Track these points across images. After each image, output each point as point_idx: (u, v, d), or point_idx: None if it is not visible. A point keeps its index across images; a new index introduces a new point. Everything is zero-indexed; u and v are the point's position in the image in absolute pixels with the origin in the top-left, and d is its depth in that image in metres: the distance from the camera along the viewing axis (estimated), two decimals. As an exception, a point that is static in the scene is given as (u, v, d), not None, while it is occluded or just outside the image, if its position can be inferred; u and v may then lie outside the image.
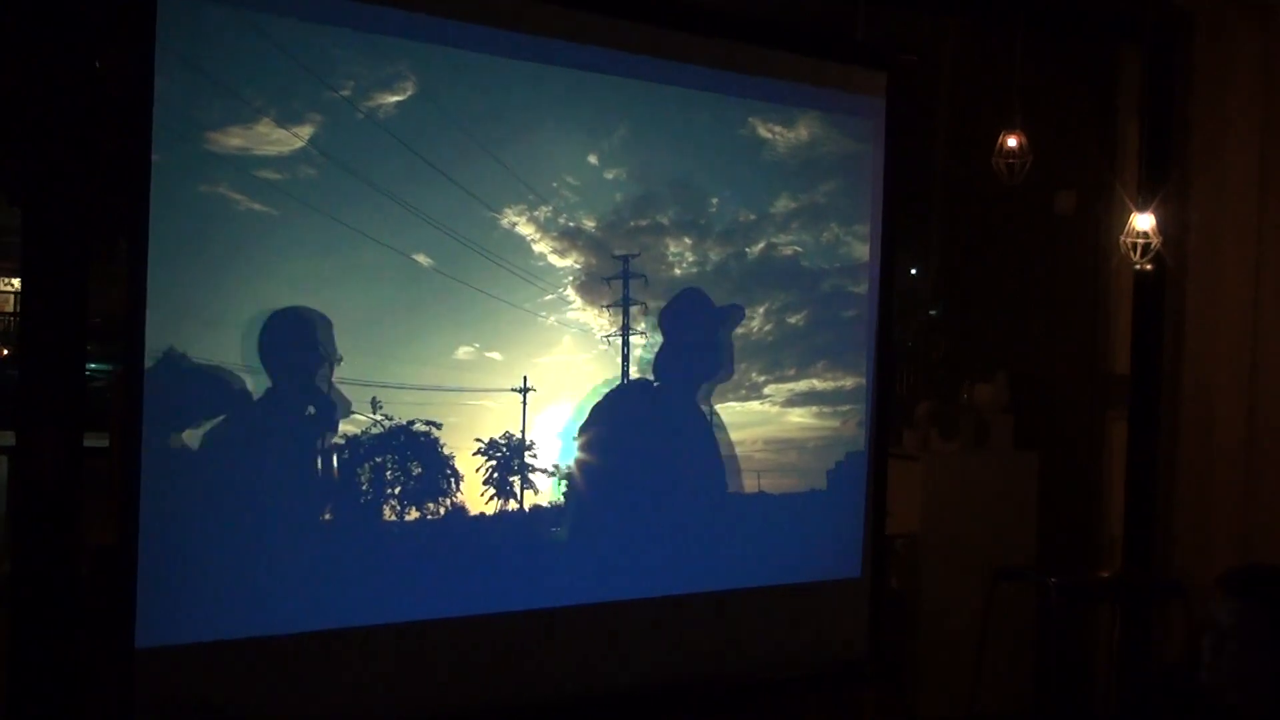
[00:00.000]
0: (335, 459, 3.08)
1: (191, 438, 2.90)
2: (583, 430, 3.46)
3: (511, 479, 3.34)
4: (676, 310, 3.61)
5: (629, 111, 3.51)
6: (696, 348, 3.68)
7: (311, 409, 3.10)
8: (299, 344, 3.07)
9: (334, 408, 3.11)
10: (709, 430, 3.70)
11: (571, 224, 3.41)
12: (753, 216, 3.73)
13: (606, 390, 3.50)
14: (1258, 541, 4.44)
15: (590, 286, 3.45)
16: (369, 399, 3.11)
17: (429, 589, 3.20)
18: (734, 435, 3.70)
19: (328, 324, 3.08)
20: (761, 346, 3.77)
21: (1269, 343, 4.49)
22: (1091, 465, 5.00)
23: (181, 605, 2.86)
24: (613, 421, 3.52)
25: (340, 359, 3.10)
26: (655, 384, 3.62)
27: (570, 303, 3.42)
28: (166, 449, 2.85)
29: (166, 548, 2.83)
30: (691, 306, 3.65)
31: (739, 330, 3.72)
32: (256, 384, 2.98)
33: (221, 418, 2.94)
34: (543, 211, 3.36)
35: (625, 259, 3.50)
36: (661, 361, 3.61)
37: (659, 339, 3.58)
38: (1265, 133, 4.49)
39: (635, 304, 3.52)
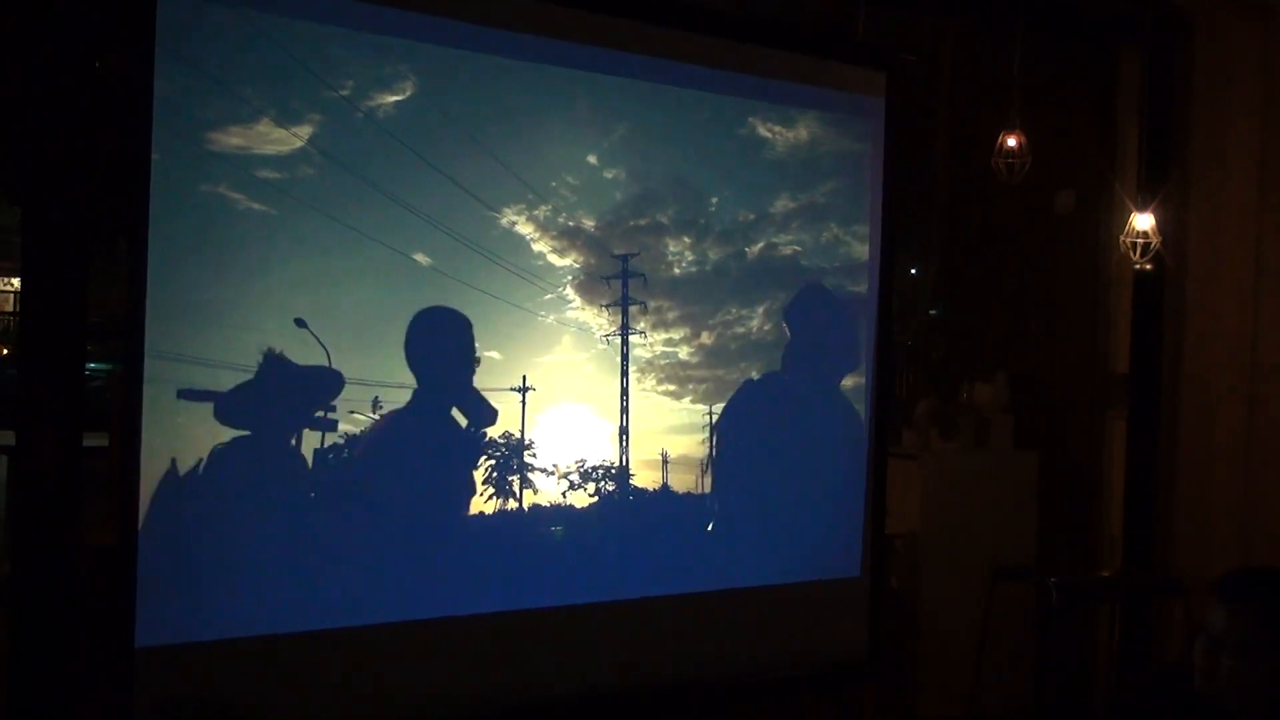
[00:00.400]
0: (337, 460, 3.08)
1: (194, 438, 2.91)
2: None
3: (511, 478, 3.34)
4: (803, 306, 3.80)
5: (629, 111, 3.51)
6: (826, 342, 3.90)
7: (457, 411, 3.24)
8: (446, 345, 3.22)
9: (482, 412, 3.25)
10: (848, 419, 3.91)
11: (571, 223, 3.42)
12: (752, 216, 3.73)
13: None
14: (1258, 541, 4.44)
15: (589, 286, 3.45)
16: (369, 399, 3.12)
17: (429, 589, 3.20)
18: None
19: (468, 324, 3.22)
20: (761, 346, 3.77)
21: (1269, 343, 4.49)
22: (1091, 465, 5.00)
23: (181, 605, 2.86)
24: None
25: (479, 361, 3.24)
26: (785, 378, 3.80)
27: (570, 302, 3.42)
28: (169, 449, 2.86)
29: (166, 548, 2.84)
30: (817, 302, 3.82)
31: (738, 330, 3.72)
32: (263, 383, 2.98)
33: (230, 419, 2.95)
34: (542, 211, 3.36)
35: (624, 258, 3.51)
36: (790, 357, 3.80)
37: (659, 338, 3.58)
38: (1265, 133, 4.50)
39: (634, 303, 3.52)
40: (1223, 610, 2.16)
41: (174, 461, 2.87)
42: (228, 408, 2.91)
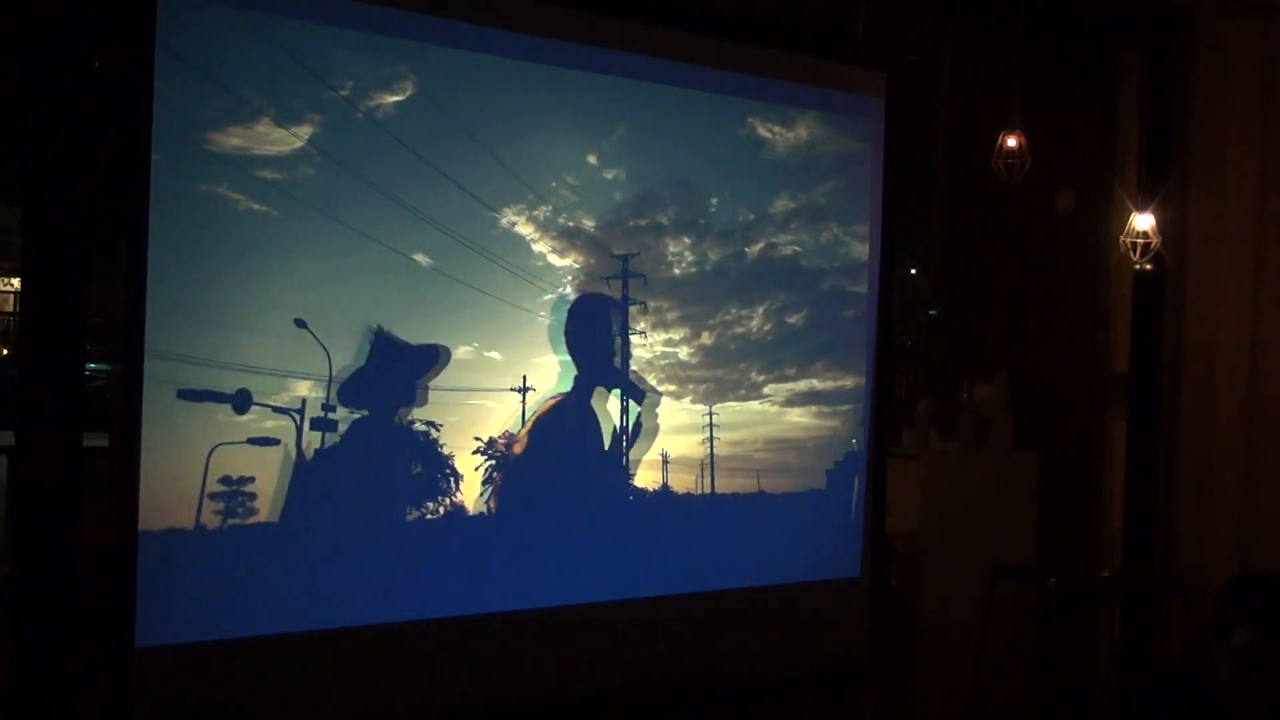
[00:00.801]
0: (341, 458, 3.08)
1: (194, 438, 2.91)
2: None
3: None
4: None
5: (628, 111, 3.51)
6: None
7: (617, 391, 3.49)
8: (601, 330, 3.43)
9: (640, 393, 3.47)
10: None
11: (571, 223, 3.42)
12: (752, 216, 3.73)
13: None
14: (1258, 541, 4.44)
15: (590, 286, 3.45)
16: (369, 399, 3.12)
17: (429, 589, 3.20)
18: (734, 435, 3.71)
19: (620, 310, 3.42)
20: (761, 346, 3.77)
21: (1269, 342, 4.49)
22: (1091, 465, 5.00)
23: (181, 605, 2.87)
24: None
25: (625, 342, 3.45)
26: None
27: (570, 302, 3.42)
28: (169, 449, 2.85)
29: (166, 548, 2.84)
30: None
31: (738, 330, 3.72)
32: (270, 383, 2.99)
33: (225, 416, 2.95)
34: (542, 211, 3.36)
35: (624, 258, 3.51)
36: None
37: (659, 338, 3.58)
38: (1265, 133, 4.49)
39: (634, 303, 3.52)
40: (1253, 631, 2.12)
41: (175, 460, 2.87)
42: (348, 391, 3.05)
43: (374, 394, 3.10)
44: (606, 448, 3.47)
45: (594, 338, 3.44)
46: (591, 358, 3.44)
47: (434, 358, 3.17)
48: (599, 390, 3.46)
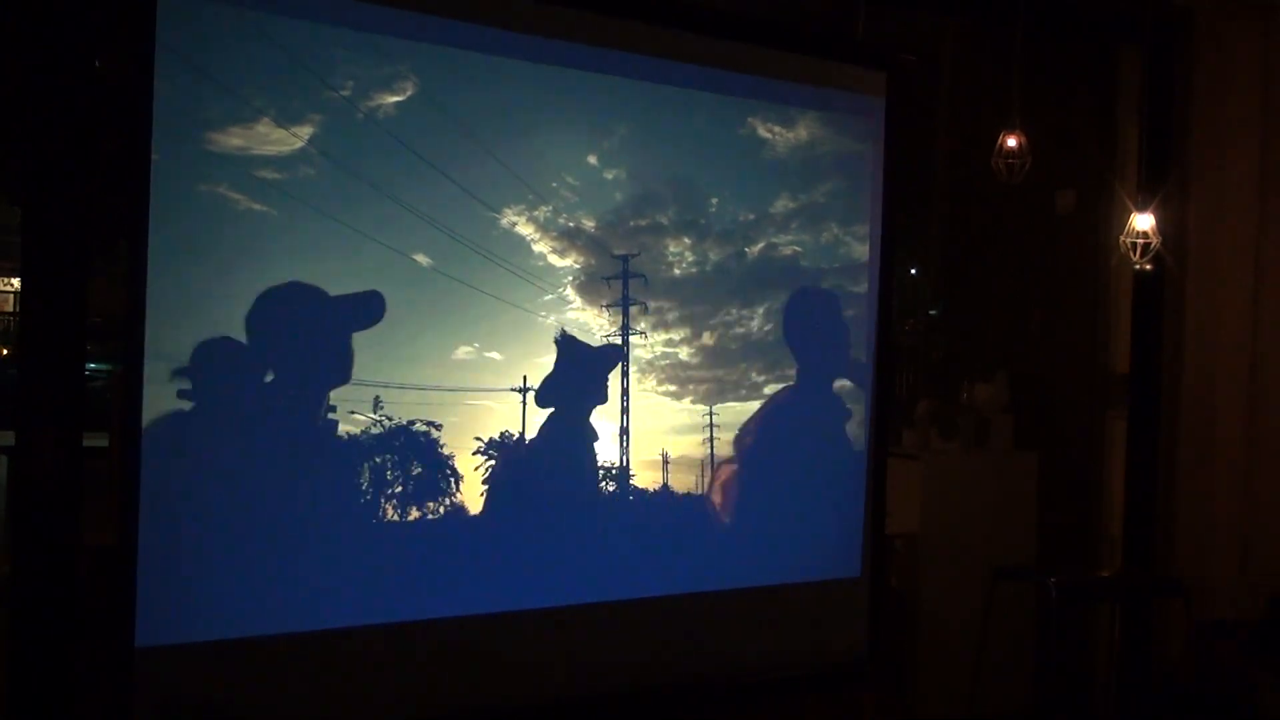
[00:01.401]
0: (342, 456, 3.08)
1: (189, 433, 2.90)
2: None
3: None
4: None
5: (629, 111, 3.51)
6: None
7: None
8: (821, 324, 3.73)
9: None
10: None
11: (571, 224, 3.42)
12: (752, 216, 3.73)
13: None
14: (1258, 541, 4.45)
15: (590, 286, 3.45)
16: (369, 399, 3.12)
17: (429, 589, 3.20)
18: (735, 435, 3.70)
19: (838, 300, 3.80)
20: (762, 346, 3.77)
21: (1269, 342, 4.50)
22: (1091, 465, 5.00)
23: (181, 605, 2.86)
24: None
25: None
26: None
27: (570, 303, 3.42)
28: (169, 449, 2.85)
29: (166, 548, 2.84)
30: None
31: (739, 330, 3.72)
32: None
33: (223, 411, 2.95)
34: (542, 211, 3.36)
35: (625, 259, 3.51)
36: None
37: (659, 338, 3.58)
38: (1265, 133, 4.50)
39: (635, 304, 3.52)
40: None
41: (175, 460, 2.87)
42: (542, 393, 3.31)
43: (564, 393, 3.34)
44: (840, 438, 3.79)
45: (812, 324, 3.73)
46: (811, 348, 3.72)
47: (616, 356, 3.41)
48: (826, 380, 3.75)
